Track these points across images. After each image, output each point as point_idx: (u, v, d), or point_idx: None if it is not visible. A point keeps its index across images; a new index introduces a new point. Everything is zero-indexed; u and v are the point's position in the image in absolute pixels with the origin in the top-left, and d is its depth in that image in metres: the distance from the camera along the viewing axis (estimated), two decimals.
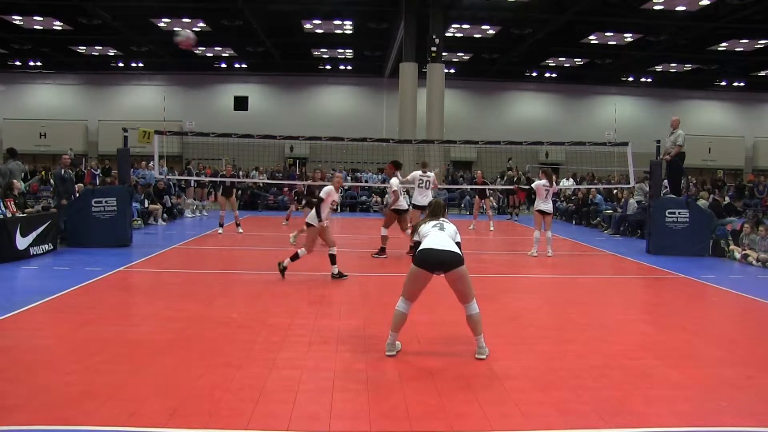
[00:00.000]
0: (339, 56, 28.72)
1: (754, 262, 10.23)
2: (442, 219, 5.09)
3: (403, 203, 10.52)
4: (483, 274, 8.71)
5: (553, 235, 11.28)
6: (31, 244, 9.35)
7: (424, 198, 10.39)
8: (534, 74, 30.82)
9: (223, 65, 30.12)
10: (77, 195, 11.51)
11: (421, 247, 4.82)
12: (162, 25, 22.92)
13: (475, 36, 24.03)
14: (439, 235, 4.85)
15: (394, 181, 10.48)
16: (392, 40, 23.99)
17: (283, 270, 8.05)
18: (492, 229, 14.40)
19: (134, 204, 13.06)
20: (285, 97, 31.43)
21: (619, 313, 6.77)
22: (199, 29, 23.39)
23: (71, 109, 30.54)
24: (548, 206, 10.75)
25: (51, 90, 31.31)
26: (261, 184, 20.90)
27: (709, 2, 18.67)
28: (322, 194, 8.03)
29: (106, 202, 10.68)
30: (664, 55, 25.87)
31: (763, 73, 28.82)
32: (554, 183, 11.04)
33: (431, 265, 4.71)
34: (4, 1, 19.96)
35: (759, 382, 4.43)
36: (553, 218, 11.27)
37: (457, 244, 4.88)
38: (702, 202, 13.08)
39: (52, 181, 11.66)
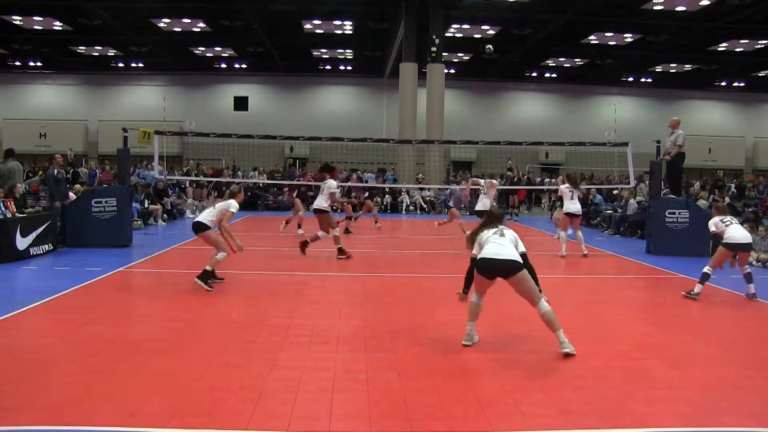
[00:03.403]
0: (339, 56, 28.72)
1: (754, 263, 10.22)
2: (501, 226, 5.17)
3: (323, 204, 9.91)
4: None
5: (552, 235, 11.29)
6: (31, 245, 9.35)
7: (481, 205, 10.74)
8: (534, 74, 30.82)
9: (223, 65, 30.12)
10: (71, 196, 11.43)
11: (481, 255, 4.95)
12: (162, 25, 22.92)
13: (475, 36, 24.03)
14: (499, 242, 4.95)
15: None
16: (392, 40, 23.99)
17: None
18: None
19: (134, 204, 13.05)
20: (285, 97, 31.43)
21: (620, 314, 6.77)
22: (199, 29, 23.43)
23: (71, 109, 30.53)
24: (576, 207, 10.88)
25: (51, 90, 31.31)
26: (261, 185, 20.90)
27: (709, 2, 18.67)
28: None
29: (106, 202, 10.68)
30: (664, 55, 25.87)
31: (763, 73, 28.82)
32: (579, 188, 11.19)
33: (490, 273, 4.90)
34: (4, 2, 19.96)
35: (759, 382, 4.43)
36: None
37: (522, 254, 4.97)
38: (702, 202, 13.08)
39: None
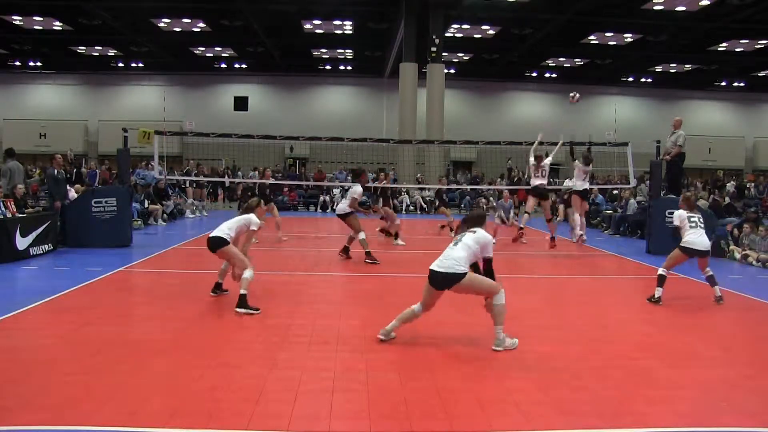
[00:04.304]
0: (339, 56, 28.71)
1: (754, 263, 10.23)
2: (470, 230, 5.06)
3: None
4: None
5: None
6: (31, 245, 9.35)
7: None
8: (534, 74, 30.81)
9: (223, 65, 30.11)
10: (71, 195, 11.42)
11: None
12: (162, 25, 22.92)
13: (475, 36, 24.03)
14: (449, 251, 4.95)
15: None
16: (392, 40, 23.98)
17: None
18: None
19: (134, 204, 13.05)
20: (285, 97, 31.41)
21: (620, 314, 6.77)
22: (199, 29, 23.43)
23: (71, 109, 30.52)
24: (586, 187, 11.11)
25: (51, 90, 31.29)
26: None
27: (709, 2, 18.67)
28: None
29: (106, 202, 10.68)
30: (664, 55, 25.86)
31: (763, 73, 28.81)
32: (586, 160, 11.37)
33: (434, 283, 4.95)
34: (4, 2, 19.96)
35: (759, 382, 4.43)
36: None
37: (487, 260, 4.94)
38: (702, 203, 13.07)
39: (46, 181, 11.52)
